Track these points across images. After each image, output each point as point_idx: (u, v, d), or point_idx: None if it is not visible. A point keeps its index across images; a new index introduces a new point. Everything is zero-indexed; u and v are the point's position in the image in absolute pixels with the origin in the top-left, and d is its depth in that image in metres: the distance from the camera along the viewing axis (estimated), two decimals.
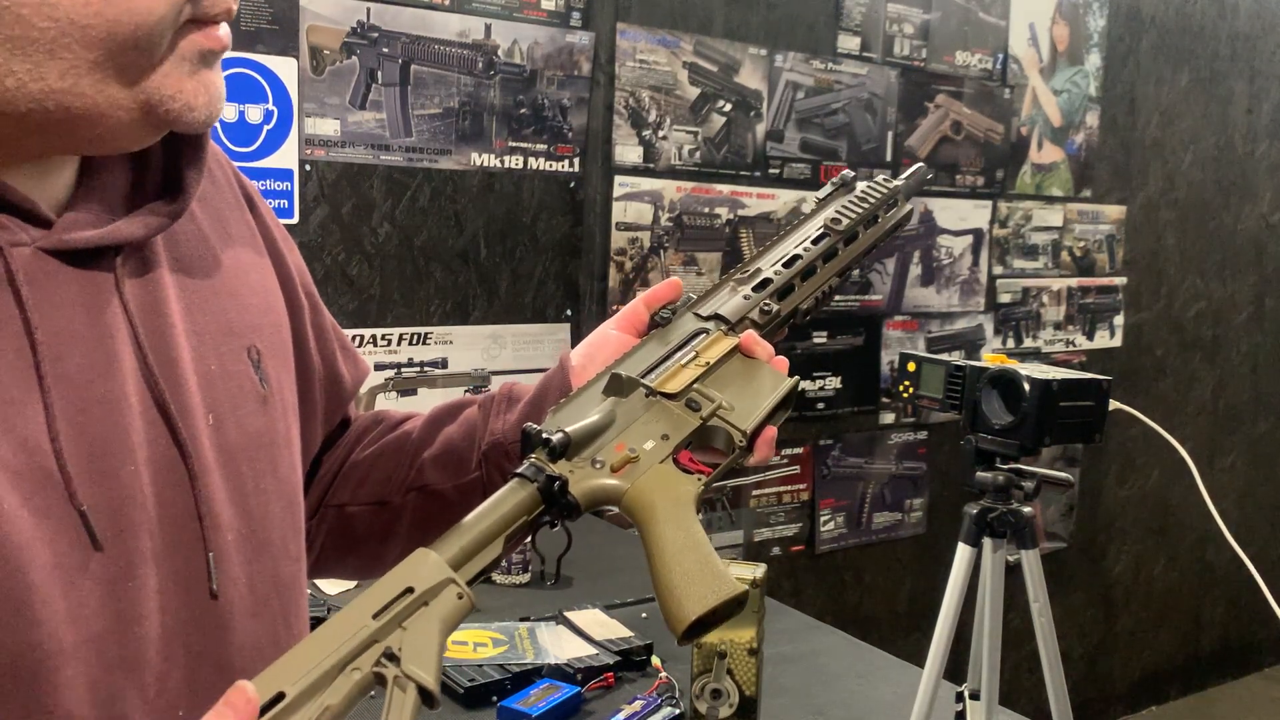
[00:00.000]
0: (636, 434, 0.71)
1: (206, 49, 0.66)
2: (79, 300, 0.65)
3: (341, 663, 0.56)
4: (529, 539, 0.71)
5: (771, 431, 0.78)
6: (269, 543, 0.75)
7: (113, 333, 0.66)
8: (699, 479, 0.71)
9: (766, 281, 0.84)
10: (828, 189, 0.91)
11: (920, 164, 0.98)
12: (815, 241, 0.86)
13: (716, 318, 0.81)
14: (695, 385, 0.75)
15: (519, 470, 0.68)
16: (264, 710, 0.53)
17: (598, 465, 0.69)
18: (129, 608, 0.64)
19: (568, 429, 0.68)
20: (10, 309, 0.62)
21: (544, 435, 0.68)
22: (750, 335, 0.81)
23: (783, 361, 0.81)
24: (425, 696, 0.56)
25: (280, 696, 0.54)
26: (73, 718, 0.61)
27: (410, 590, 0.58)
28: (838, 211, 0.88)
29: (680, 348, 0.79)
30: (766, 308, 0.83)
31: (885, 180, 0.92)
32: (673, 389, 0.75)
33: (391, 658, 0.56)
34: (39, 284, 0.63)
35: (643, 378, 0.75)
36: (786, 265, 0.85)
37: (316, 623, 0.60)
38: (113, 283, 0.67)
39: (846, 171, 0.93)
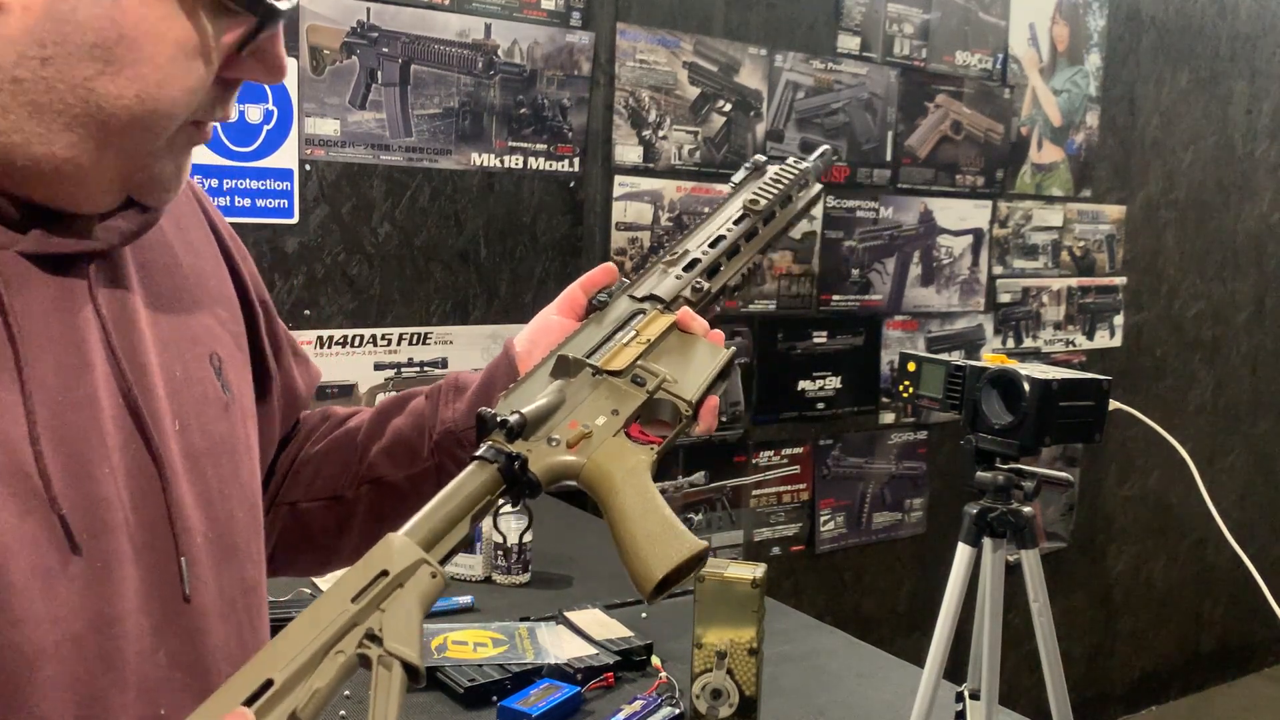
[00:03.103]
0: (587, 411, 0.74)
1: (197, 142, 0.70)
2: (53, 305, 0.66)
3: (325, 646, 0.57)
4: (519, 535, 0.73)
5: (714, 400, 0.82)
6: (235, 546, 0.76)
7: (85, 337, 0.67)
8: (651, 449, 0.75)
9: (695, 262, 0.89)
10: (741, 174, 0.96)
11: (826, 145, 1.05)
12: (736, 222, 0.92)
13: (652, 298, 0.85)
14: (638, 362, 0.79)
15: (479, 453, 0.70)
16: (254, 697, 0.54)
17: (554, 443, 0.72)
18: (108, 608, 0.65)
19: (523, 410, 0.71)
20: None
21: (500, 418, 0.70)
22: (686, 312, 0.85)
23: (718, 334, 0.85)
24: (410, 672, 0.58)
25: (269, 684, 0.55)
26: (54, 717, 0.62)
27: (385, 573, 0.60)
28: (755, 193, 0.93)
29: (620, 328, 0.83)
30: (698, 286, 0.87)
31: (795, 162, 0.98)
32: (618, 366, 0.78)
33: (373, 638, 0.58)
34: (16, 288, 0.64)
35: (587, 358, 0.78)
36: (712, 245, 0.90)
37: (277, 625, 0.61)
38: (86, 289, 0.68)
39: (759, 156, 0.98)
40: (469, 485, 0.68)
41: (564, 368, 0.77)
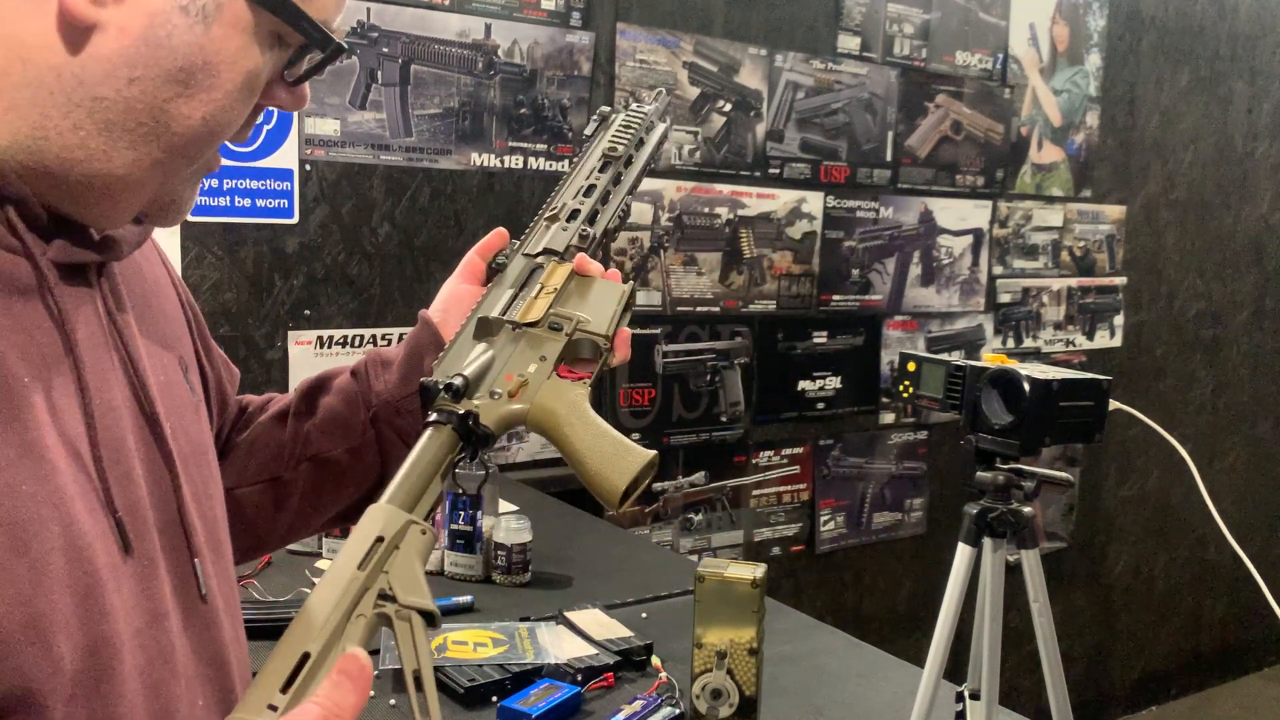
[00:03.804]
0: (518, 363, 0.81)
1: (211, 169, 0.73)
2: (78, 312, 0.67)
3: (347, 613, 0.61)
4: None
5: (626, 333, 0.88)
6: (221, 544, 0.79)
7: (105, 344, 0.69)
8: (584, 383, 0.82)
9: (576, 212, 0.94)
10: (591, 126, 1.03)
11: (660, 88, 1.07)
12: (601, 170, 0.97)
13: (547, 252, 0.91)
14: (551, 310, 0.85)
15: (430, 419, 0.74)
16: (296, 671, 0.58)
17: (496, 396, 0.78)
18: (157, 605, 0.68)
19: (463, 372, 0.76)
20: (43, 316, 0.64)
21: (443, 383, 0.75)
22: (582, 257, 0.90)
23: (615, 273, 0.91)
24: (428, 618, 0.63)
25: (306, 656, 0.58)
26: (136, 709, 0.65)
27: (381, 539, 0.64)
28: (611, 141, 0.99)
29: (525, 285, 0.88)
30: (584, 233, 0.93)
31: (637, 108, 1.04)
32: (534, 317, 0.84)
33: (387, 597, 0.63)
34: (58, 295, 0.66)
35: (504, 316, 0.84)
36: (586, 195, 0.95)
37: (275, 629, 0.63)
38: (98, 297, 0.69)
39: (604, 108, 1.04)
40: (430, 448, 0.72)
41: (485, 328, 0.82)
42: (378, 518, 0.65)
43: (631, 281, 0.94)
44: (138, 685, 0.65)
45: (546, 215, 0.94)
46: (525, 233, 0.94)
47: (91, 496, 0.64)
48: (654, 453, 0.78)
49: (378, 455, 0.93)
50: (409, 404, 0.91)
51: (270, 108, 0.72)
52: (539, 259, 0.90)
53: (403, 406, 0.92)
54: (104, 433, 0.66)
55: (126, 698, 0.64)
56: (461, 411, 0.74)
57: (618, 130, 1.01)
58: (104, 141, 0.63)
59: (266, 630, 1.41)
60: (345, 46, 0.69)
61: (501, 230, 0.96)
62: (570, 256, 0.91)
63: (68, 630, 0.60)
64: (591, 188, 0.96)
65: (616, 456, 0.77)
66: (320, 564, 1.92)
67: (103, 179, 0.64)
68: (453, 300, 0.95)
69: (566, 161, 2.62)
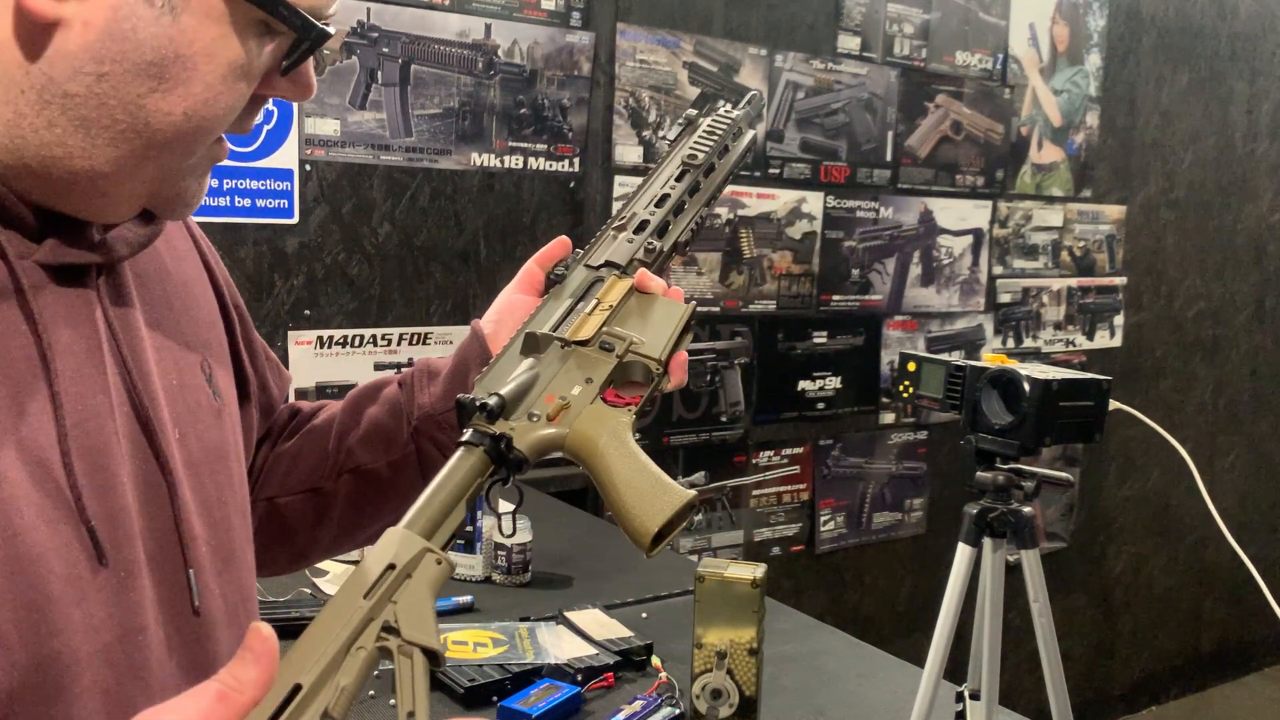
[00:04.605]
0: (562, 383, 0.76)
1: (218, 158, 0.70)
2: (68, 315, 0.66)
3: (346, 645, 0.58)
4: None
5: (682, 356, 0.83)
6: (233, 554, 0.77)
7: (97, 347, 0.67)
8: (629, 410, 0.76)
9: (645, 223, 0.90)
10: (675, 131, 0.98)
11: (754, 91, 1.04)
12: (679, 179, 0.93)
13: (608, 264, 0.86)
14: (604, 328, 0.81)
15: (463, 439, 0.70)
16: (285, 704, 0.55)
17: (534, 418, 0.73)
18: (132, 618, 0.66)
19: (500, 391, 0.72)
20: (18, 321, 0.63)
21: (479, 401, 0.71)
22: (643, 273, 0.86)
23: (677, 291, 0.86)
24: (431, 657, 0.59)
25: (298, 688, 0.55)
26: None
27: (392, 567, 0.61)
28: (692, 148, 0.94)
29: (582, 298, 0.84)
30: (650, 246, 0.88)
31: (726, 112, 0.99)
32: (584, 335, 0.80)
33: (390, 630, 0.59)
34: (40, 298, 0.64)
35: (554, 331, 0.80)
36: (659, 205, 0.91)
37: (295, 630, 0.61)
38: (95, 299, 0.68)
39: (690, 111, 1.00)
40: (459, 471, 0.69)
41: (533, 344, 0.78)
42: (392, 543, 0.62)
43: (693, 302, 0.86)
44: (97, 703, 0.63)
45: (615, 225, 0.90)
46: (590, 242, 0.89)
47: (53, 506, 0.62)
48: (693, 493, 0.73)
49: (418, 469, 0.89)
50: (450, 418, 0.86)
51: (273, 99, 0.70)
52: (600, 271, 0.86)
53: (444, 421, 0.88)
54: (84, 439, 0.64)
55: (81, 717, 0.62)
56: (495, 433, 0.70)
57: (701, 135, 0.96)
58: (82, 139, 0.62)
59: None
60: (329, 32, 0.66)
61: (563, 239, 0.91)
62: (633, 271, 0.86)
63: (5, 648, 0.58)
64: (665, 197, 0.91)
65: (653, 495, 0.72)
66: (321, 565, 1.92)
67: (87, 176, 0.63)
68: (506, 311, 0.91)
69: (567, 161, 2.62)
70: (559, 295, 0.84)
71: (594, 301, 0.83)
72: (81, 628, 0.62)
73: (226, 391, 0.81)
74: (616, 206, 2.67)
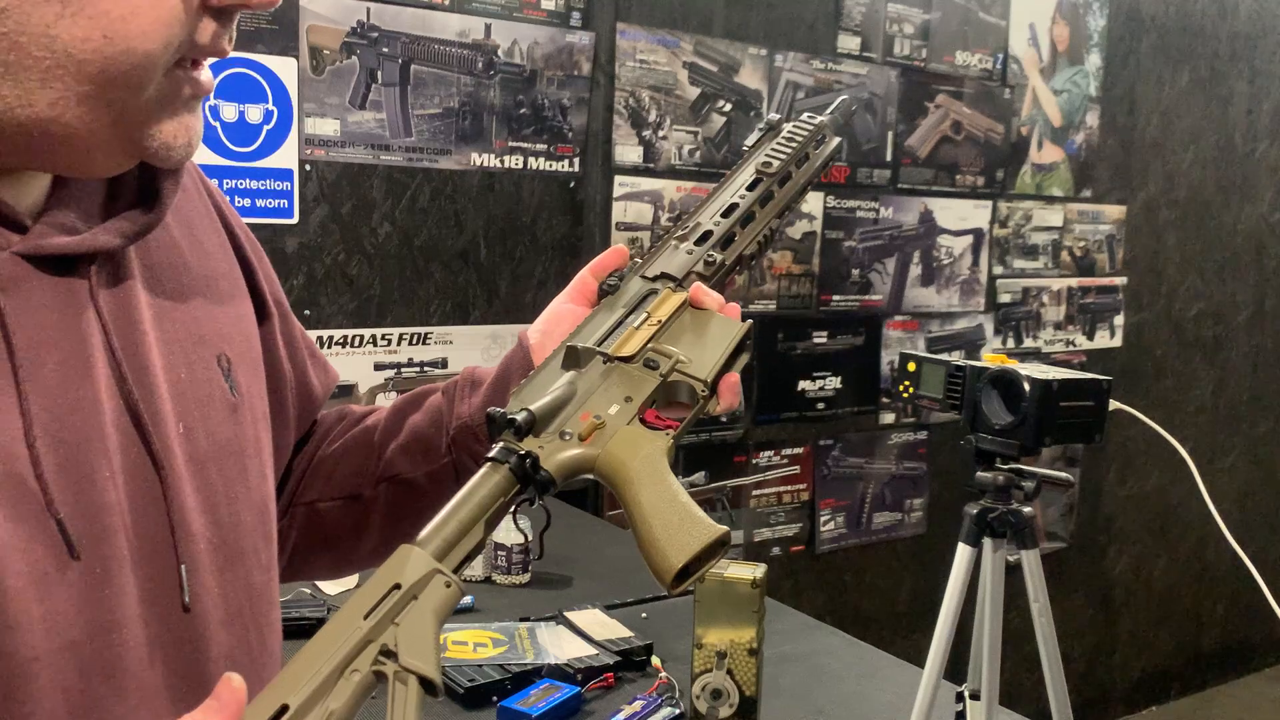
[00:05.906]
0: (600, 401, 0.72)
1: (190, 95, 0.65)
2: (53, 306, 0.64)
3: (340, 667, 0.56)
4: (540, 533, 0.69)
5: (734, 377, 0.78)
6: (241, 551, 0.74)
7: (87, 339, 0.66)
8: (668, 434, 0.72)
9: (708, 234, 0.85)
10: (755, 135, 0.92)
11: (845, 96, 0.99)
12: (750, 188, 0.88)
13: (664, 276, 0.82)
14: (650, 345, 0.76)
15: (490, 455, 0.68)
16: None
17: (566, 437, 0.69)
18: (106, 615, 0.64)
19: (531, 406, 0.69)
20: None
21: (508, 416, 0.68)
22: (698, 287, 0.81)
23: (734, 308, 0.82)
24: (427, 686, 0.56)
25: (284, 709, 0.54)
26: None
27: (398, 586, 0.59)
28: (768, 155, 0.89)
29: (632, 311, 0.80)
30: (710, 259, 0.84)
31: (810, 117, 0.93)
32: (629, 351, 0.75)
33: (388, 654, 0.57)
34: (15, 289, 0.63)
35: (599, 345, 0.76)
36: (725, 215, 0.86)
37: (292, 630, 0.60)
38: (87, 290, 0.66)
39: (773, 115, 0.95)
40: (481, 489, 0.66)
41: (574, 358, 0.74)
42: (401, 562, 0.59)
43: (750, 321, 0.80)
44: (59, 704, 0.61)
45: (677, 234, 0.85)
46: (649, 250, 0.85)
47: (16, 501, 0.60)
48: (724, 529, 0.67)
49: (455, 482, 0.84)
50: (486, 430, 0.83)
51: (239, 7, 0.63)
52: (655, 283, 0.81)
53: (481, 433, 0.84)
54: (61, 432, 0.63)
55: (38, 717, 0.60)
56: (522, 451, 0.67)
57: (781, 142, 0.90)
58: (14, 87, 0.59)
59: None
60: None
61: (620, 248, 0.87)
62: (689, 284, 0.81)
63: None
64: (733, 207, 0.86)
65: (680, 529, 0.66)
66: None
67: (38, 125, 0.60)
68: (554, 320, 0.86)
69: (567, 161, 2.62)
70: (611, 307, 0.80)
71: (644, 315, 0.79)
72: (42, 624, 0.60)
73: (249, 386, 0.78)
74: (616, 206, 2.68)
